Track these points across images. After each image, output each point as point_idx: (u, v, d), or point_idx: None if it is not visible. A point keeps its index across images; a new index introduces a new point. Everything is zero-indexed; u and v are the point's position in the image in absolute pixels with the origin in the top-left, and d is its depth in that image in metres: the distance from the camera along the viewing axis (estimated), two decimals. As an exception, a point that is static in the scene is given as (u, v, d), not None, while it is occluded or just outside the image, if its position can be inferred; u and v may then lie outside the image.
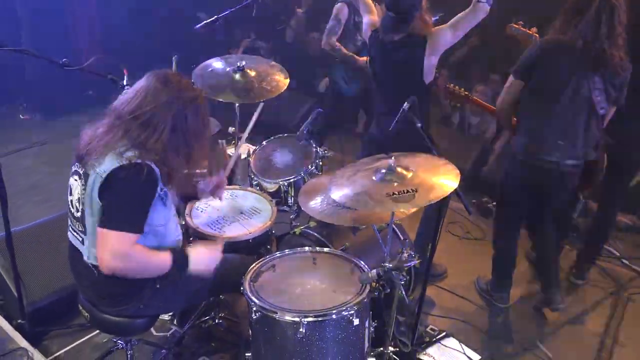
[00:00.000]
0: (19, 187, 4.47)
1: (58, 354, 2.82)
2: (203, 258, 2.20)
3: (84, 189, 1.99)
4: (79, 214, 2.06)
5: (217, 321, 2.93)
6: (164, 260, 2.06)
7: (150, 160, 1.93)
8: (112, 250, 1.92)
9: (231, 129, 3.23)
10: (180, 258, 2.13)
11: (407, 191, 2.04)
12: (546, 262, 3.38)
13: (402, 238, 2.86)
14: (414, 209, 2.48)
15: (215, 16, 3.29)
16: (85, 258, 2.07)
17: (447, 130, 5.73)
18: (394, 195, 2.03)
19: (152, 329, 2.89)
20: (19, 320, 2.76)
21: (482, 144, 5.15)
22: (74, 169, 2.07)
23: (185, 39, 5.40)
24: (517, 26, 3.27)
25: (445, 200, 2.23)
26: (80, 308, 2.30)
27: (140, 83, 2.02)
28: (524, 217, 3.31)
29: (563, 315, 3.37)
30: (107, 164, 1.92)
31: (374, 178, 2.17)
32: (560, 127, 2.82)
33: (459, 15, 2.85)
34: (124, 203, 1.93)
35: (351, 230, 2.82)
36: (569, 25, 2.73)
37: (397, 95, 2.68)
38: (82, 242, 2.08)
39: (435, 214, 3.29)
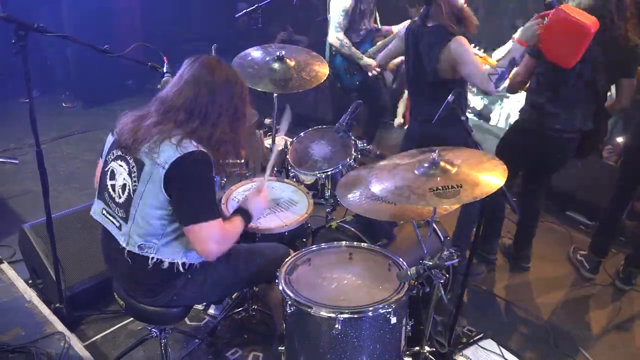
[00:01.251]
0: (59, 175, 4.56)
1: (94, 339, 2.84)
2: (259, 207, 2.26)
3: (137, 178, 1.96)
4: (122, 200, 2.03)
5: (250, 313, 2.91)
6: (238, 225, 2.13)
7: (204, 148, 1.95)
8: (215, 239, 1.97)
9: (267, 120, 3.19)
10: (245, 216, 2.18)
11: (452, 187, 1.96)
12: (529, 229, 3.63)
13: (442, 236, 2.78)
14: (457, 206, 2.38)
15: (256, 4, 3.24)
16: (123, 244, 2.05)
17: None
18: (437, 191, 1.96)
19: (186, 319, 2.88)
20: (57, 305, 2.79)
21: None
22: (116, 153, 2.05)
23: (224, 29, 5.39)
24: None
25: (487, 198, 2.15)
26: (116, 296, 2.30)
27: (186, 70, 1.99)
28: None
29: (608, 322, 3.23)
30: (166, 154, 1.90)
31: (416, 172, 2.09)
32: (564, 104, 3.01)
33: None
34: (202, 193, 1.95)
35: (389, 226, 2.76)
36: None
37: (417, 88, 2.73)
38: (120, 228, 2.06)
39: (475, 211, 3.25)
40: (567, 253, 3.84)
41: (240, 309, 2.92)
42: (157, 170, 1.91)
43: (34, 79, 2.11)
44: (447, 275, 2.68)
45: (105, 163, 2.10)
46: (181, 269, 2.06)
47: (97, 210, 2.16)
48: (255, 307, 2.93)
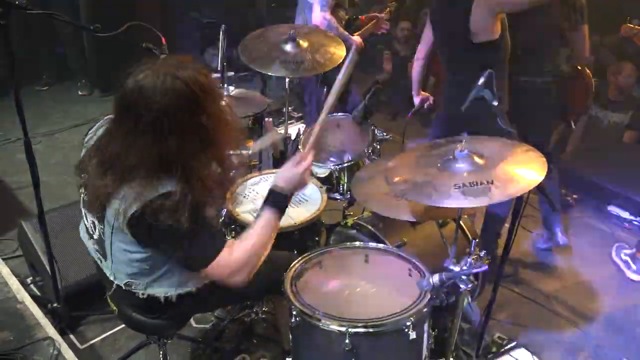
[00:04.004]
0: (70, 164, 4.39)
1: (94, 341, 2.68)
2: (298, 181, 1.80)
3: (101, 221, 1.71)
4: (96, 236, 1.79)
5: (260, 316, 2.69)
6: (260, 230, 1.73)
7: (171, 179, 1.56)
8: (234, 268, 1.67)
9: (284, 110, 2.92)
10: (278, 201, 1.78)
11: (480, 183, 1.68)
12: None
13: (469, 237, 2.51)
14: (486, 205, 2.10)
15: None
16: (110, 277, 1.83)
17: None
18: (464, 188, 1.68)
19: (191, 320, 2.70)
20: (55, 305, 2.62)
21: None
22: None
23: (236, 11, 5.13)
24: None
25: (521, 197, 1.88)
26: (109, 299, 2.10)
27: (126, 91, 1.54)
28: None
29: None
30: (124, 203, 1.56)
31: (439, 165, 1.82)
32: (528, 49, 2.86)
33: None
34: (192, 242, 1.59)
35: (410, 223, 2.49)
36: None
37: (450, 63, 2.57)
38: (102, 260, 1.84)
39: (505, 206, 2.96)
40: (609, 253, 3.50)
41: (249, 311, 2.70)
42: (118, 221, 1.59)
43: (49, 66, 1.84)
44: (475, 282, 2.40)
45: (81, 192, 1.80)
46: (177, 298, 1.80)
47: (82, 233, 1.92)
48: (266, 309, 2.71)
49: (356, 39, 3.69)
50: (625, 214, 3.94)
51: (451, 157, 1.83)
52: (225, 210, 2.44)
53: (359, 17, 3.98)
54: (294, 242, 2.35)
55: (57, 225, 2.77)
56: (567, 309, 3.05)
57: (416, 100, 3.22)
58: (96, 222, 1.76)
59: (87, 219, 1.84)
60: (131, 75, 1.53)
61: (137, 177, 1.53)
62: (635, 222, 3.87)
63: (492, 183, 1.68)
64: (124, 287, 1.79)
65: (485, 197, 1.64)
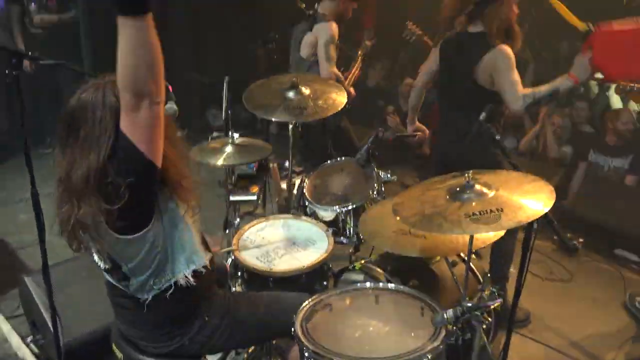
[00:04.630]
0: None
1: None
2: None
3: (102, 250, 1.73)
4: (108, 266, 1.79)
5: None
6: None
7: None
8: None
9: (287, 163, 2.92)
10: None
11: (490, 211, 1.68)
12: None
13: (479, 278, 2.47)
14: (497, 236, 2.08)
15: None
16: (138, 295, 1.81)
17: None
18: (474, 216, 1.68)
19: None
20: (56, 361, 2.53)
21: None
22: None
23: (239, 63, 5.29)
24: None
25: (531, 229, 1.87)
26: (114, 347, 2.03)
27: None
28: None
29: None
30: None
31: (447, 197, 1.82)
32: None
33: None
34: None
35: (421, 265, 2.46)
36: None
37: (451, 99, 2.67)
38: (128, 287, 1.81)
39: (509, 247, 2.94)
40: (622, 297, 3.44)
41: (257, 363, 2.61)
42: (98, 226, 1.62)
43: (53, 129, 1.81)
44: (490, 319, 2.34)
45: None
46: (193, 281, 1.79)
47: (106, 276, 1.90)
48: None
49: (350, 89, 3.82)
50: (633, 256, 3.90)
51: (458, 188, 1.84)
52: (232, 258, 2.42)
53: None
54: (302, 286, 2.31)
55: (61, 279, 2.72)
56: (584, 355, 2.95)
57: (410, 128, 3.32)
58: (99, 247, 1.75)
59: (96, 256, 1.83)
60: (75, 93, 1.59)
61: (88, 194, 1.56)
62: (645, 264, 3.83)
63: (501, 210, 1.68)
64: (153, 294, 1.77)
65: (496, 223, 1.63)
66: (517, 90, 2.63)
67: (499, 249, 2.97)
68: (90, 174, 1.55)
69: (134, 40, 1.38)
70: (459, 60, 2.86)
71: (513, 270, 2.93)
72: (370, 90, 5.87)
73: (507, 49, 2.69)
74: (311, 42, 3.64)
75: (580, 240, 3.98)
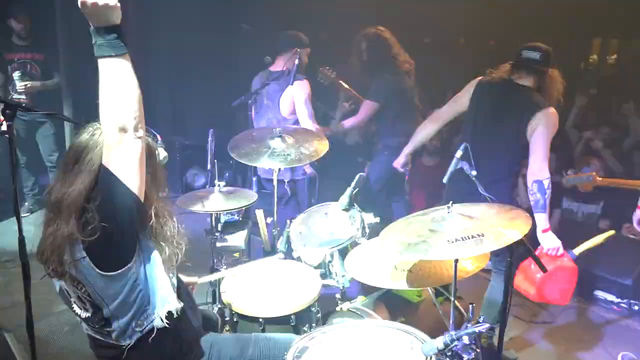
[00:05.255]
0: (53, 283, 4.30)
1: None
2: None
3: (78, 283, 1.73)
4: (90, 311, 1.78)
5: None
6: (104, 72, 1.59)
7: None
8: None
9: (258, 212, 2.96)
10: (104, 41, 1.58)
11: (472, 236, 1.76)
12: None
13: (464, 315, 2.51)
14: (479, 267, 2.15)
15: (251, 92, 3.25)
16: (123, 343, 1.80)
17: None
18: (457, 242, 1.75)
19: None
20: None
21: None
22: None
23: (223, 117, 5.42)
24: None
25: (513, 259, 1.95)
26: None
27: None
28: None
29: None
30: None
31: (432, 227, 1.90)
32: None
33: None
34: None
35: (406, 305, 2.50)
36: None
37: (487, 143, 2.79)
38: (110, 335, 1.80)
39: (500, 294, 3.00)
40: (604, 338, 3.49)
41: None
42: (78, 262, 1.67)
43: (32, 194, 1.89)
44: (478, 350, 2.36)
45: (55, 282, 1.85)
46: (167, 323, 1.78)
47: (87, 328, 1.90)
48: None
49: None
50: (612, 297, 3.98)
51: (441, 219, 1.92)
52: (220, 306, 2.42)
53: None
54: (291, 328, 2.32)
55: (44, 334, 2.68)
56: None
57: (401, 158, 3.44)
58: (81, 293, 1.75)
59: (76, 305, 1.82)
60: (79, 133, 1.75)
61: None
62: (623, 305, 3.90)
63: (482, 235, 1.76)
64: (138, 333, 1.76)
65: (478, 247, 1.71)
66: (542, 160, 2.73)
67: (492, 291, 3.12)
68: (76, 200, 1.64)
69: (115, 78, 1.54)
70: (505, 108, 2.91)
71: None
72: (349, 148, 6.04)
73: (555, 114, 2.79)
74: (290, 102, 3.70)
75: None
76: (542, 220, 2.76)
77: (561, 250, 2.81)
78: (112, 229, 1.62)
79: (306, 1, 6.09)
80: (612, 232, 3.23)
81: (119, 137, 1.55)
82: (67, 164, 1.71)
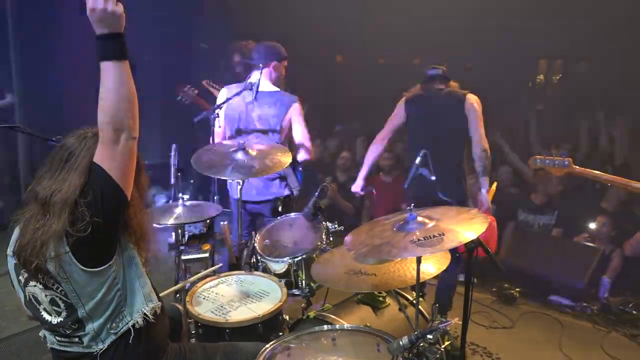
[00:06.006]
0: (6, 309, 4.15)
1: None
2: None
3: (55, 281, 1.72)
4: (64, 314, 1.77)
5: None
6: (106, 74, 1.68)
7: None
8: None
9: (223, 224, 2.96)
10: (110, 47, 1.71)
11: (433, 236, 1.84)
12: None
13: (427, 317, 2.59)
14: (442, 268, 2.23)
15: (215, 107, 3.27)
16: (96, 349, 1.79)
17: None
18: (420, 242, 1.83)
19: None
20: None
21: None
22: (23, 276, 1.79)
23: (184, 132, 5.42)
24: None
25: (470, 264, 2.05)
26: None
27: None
28: None
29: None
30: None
31: (394, 229, 1.97)
32: None
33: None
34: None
35: (372, 310, 2.55)
36: None
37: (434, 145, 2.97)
38: (82, 342, 1.79)
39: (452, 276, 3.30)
40: (559, 338, 3.63)
41: None
42: (62, 257, 1.68)
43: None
44: (442, 350, 2.43)
45: (21, 292, 1.83)
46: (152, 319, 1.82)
47: (53, 341, 1.87)
48: None
49: None
50: (566, 301, 4.15)
51: (402, 222, 2.00)
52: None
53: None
54: (258, 337, 2.32)
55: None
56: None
57: (359, 182, 3.59)
58: (52, 290, 1.74)
59: (45, 312, 1.79)
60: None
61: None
62: (577, 308, 4.07)
63: (443, 235, 1.84)
64: (113, 337, 1.76)
65: (439, 245, 1.79)
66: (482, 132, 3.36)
67: (444, 282, 3.37)
68: (69, 196, 1.67)
69: (117, 80, 1.65)
70: (438, 106, 3.46)
71: (458, 321, 3.04)
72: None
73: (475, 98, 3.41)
74: (287, 126, 3.37)
75: (518, 289, 4.26)
76: (486, 182, 3.28)
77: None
78: (100, 225, 1.66)
79: (266, 23, 6.20)
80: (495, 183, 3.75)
81: (114, 136, 1.64)
82: (57, 163, 1.75)
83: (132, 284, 1.80)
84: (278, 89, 3.35)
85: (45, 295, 1.77)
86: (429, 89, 3.49)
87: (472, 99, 3.38)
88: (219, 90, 3.72)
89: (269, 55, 3.34)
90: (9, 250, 1.80)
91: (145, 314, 1.80)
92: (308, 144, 3.36)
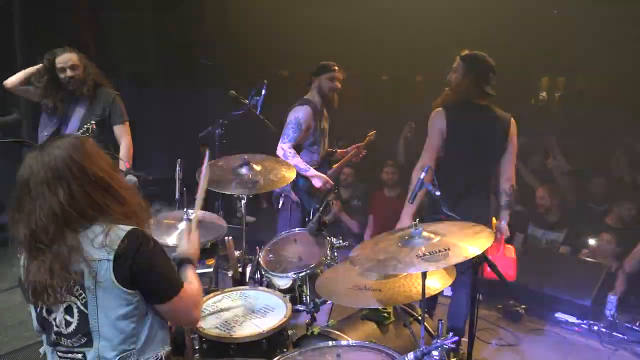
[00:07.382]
0: (7, 324, 4.13)
1: None
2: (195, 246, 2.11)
3: (81, 288, 1.72)
4: (73, 325, 1.76)
5: None
6: (193, 274, 1.97)
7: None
8: (195, 304, 1.86)
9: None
10: (191, 262, 2.02)
11: (439, 251, 1.83)
12: None
13: (432, 333, 2.56)
14: (448, 283, 2.22)
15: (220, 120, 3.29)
16: None
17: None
18: (425, 256, 1.82)
19: None
20: None
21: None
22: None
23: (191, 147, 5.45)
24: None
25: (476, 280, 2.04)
26: None
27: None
28: None
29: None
30: (105, 247, 1.70)
31: (399, 244, 1.97)
32: None
33: None
34: (166, 261, 1.81)
35: (377, 326, 2.54)
36: None
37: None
38: (85, 352, 1.77)
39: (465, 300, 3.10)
40: (566, 357, 3.59)
41: None
42: (102, 266, 1.69)
43: None
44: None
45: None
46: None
47: (52, 357, 1.87)
48: None
49: (316, 181, 3.69)
50: (572, 319, 4.11)
51: (407, 237, 1.99)
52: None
53: (336, 150, 4.14)
54: (263, 353, 2.31)
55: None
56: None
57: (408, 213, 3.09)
58: (72, 305, 1.73)
59: (54, 322, 1.78)
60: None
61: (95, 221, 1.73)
62: (584, 325, 4.03)
63: (448, 250, 1.83)
64: None
65: (444, 260, 1.78)
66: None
67: (455, 303, 3.18)
68: (55, 212, 1.67)
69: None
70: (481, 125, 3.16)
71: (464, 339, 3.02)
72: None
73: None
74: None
75: (523, 306, 4.23)
76: (507, 215, 3.18)
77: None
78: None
79: (266, 39, 6.27)
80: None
81: None
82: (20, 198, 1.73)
83: (155, 319, 1.80)
84: None
85: (64, 305, 1.75)
86: (467, 101, 3.10)
87: (515, 127, 3.15)
88: None
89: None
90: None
91: (161, 356, 1.80)
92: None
